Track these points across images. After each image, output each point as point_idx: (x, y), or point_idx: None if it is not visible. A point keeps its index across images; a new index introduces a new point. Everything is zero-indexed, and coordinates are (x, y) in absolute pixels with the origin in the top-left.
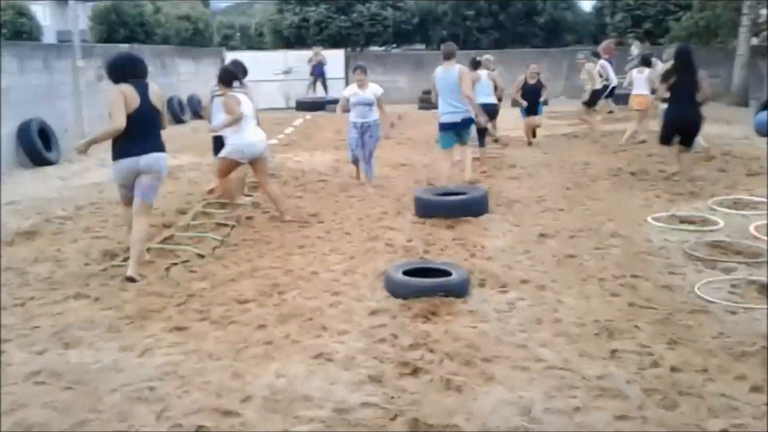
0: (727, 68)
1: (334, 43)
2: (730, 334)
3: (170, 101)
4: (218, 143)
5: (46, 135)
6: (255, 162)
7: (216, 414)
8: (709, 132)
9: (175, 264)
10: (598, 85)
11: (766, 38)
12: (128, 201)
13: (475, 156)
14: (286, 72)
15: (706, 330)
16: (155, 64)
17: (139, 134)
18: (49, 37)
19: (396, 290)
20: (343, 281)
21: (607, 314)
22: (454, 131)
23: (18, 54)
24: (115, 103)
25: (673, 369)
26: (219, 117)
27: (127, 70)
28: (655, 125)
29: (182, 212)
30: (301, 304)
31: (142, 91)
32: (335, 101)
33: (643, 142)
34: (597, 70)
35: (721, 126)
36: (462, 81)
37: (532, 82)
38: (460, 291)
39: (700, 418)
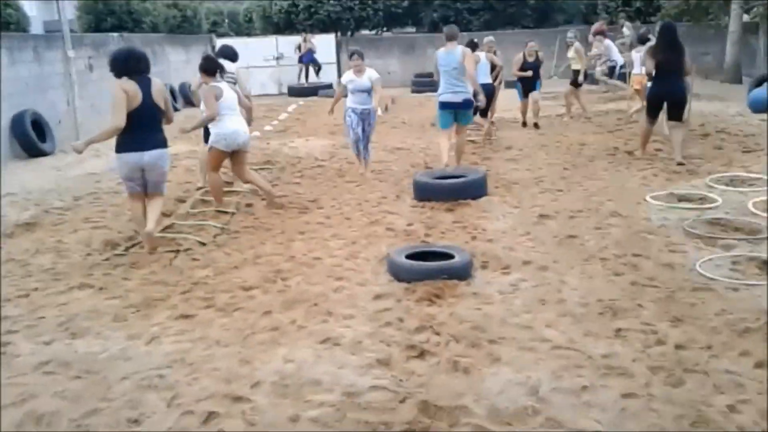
0: (719, 45)
1: (324, 27)
2: (732, 311)
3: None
4: (209, 132)
5: (39, 126)
6: (236, 153)
7: (226, 400)
8: (703, 109)
9: (178, 252)
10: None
11: (758, 14)
12: (136, 194)
13: (471, 139)
14: (278, 58)
15: (708, 307)
16: (145, 52)
17: (142, 129)
18: (36, 28)
19: (400, 274)
20: (346, 266)
21: (611, 293)
22: (454, 111)
23: (8, 45)
24: (116, 101)
25: (678, 346)
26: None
27: (129, 66)
28: None
29: (181, 201)
30: (305, 290)
31: (145, 86)
32: (328, 86)
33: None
34: (602, 51)
35: (715, 103)
36: (466, 62)
37: (531, 59)
38: (463, 273)
39: (706, 395)
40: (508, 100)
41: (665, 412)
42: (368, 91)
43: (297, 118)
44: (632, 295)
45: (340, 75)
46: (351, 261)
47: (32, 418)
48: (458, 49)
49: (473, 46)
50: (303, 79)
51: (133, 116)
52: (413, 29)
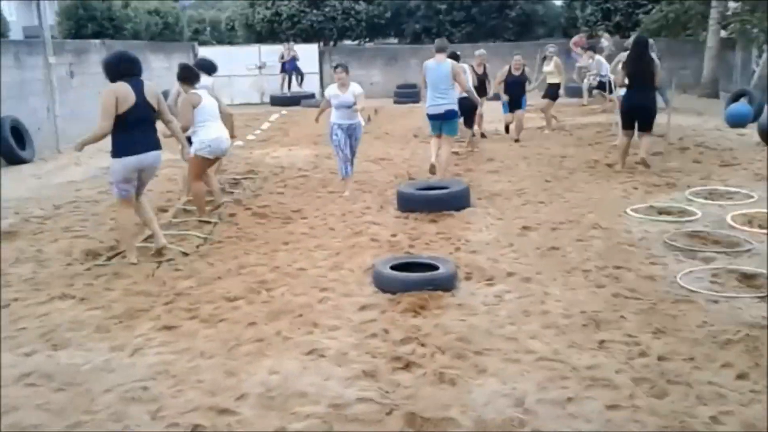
0: (697, 60)
1: (306, 37)
2: (713, 323)
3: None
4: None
5: (19, 133)
6: (215, 159)
7: (211, 412)
8: (681, 123)
9: (160, 263)
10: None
11: (735, 30)
12: (127, 200)
13: (454, 150)
14: (260, 67)
15: (690, 319)
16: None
17: (138, 131)
18: (15, 34)
19: (384, 285)
20: (330, 277)
21: (593, 305)
22: (437, 121)
23: None
24: (104, 107)
25: (661, 358)
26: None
27: (122, 69)
28: None
29: (163, 210)
30: (290, 301)
31: (138, 88)
32: (311, 96)
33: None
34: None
35: (693, 117)
36: (458, 75)
37: (516, 73)
38: (447, 285)
39: (689, 406)
40: (493, 112)
41: (649, 423)
42: (351, 106)
43: (280, 128)
44: (615, 306)
45: (322, 85)
46: (335, 272)
47: (15, 431)
48: (447, 62)
49: (455, 57)
50: (286, 88)
51: (128, 118)
52: (395, 40)
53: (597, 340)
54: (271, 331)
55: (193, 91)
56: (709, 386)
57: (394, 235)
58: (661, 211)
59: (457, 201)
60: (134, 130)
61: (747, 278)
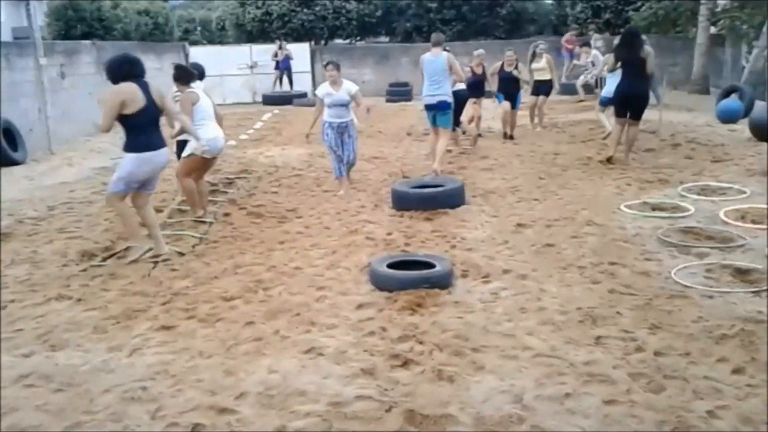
0: (687, 57)
1: (297, 36)
2: (708, 318)
3: None
4: (181, 145)
5: (11, 134)
6: (210, 159)
7: (211, 412)
8: (673, 119)
9: (156, 263)
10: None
11: (724, 27)
12: (124, 195)
13: (448, 149)
14: (252, 66)
15: (685, 314)
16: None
17: (151, 129)
18: (4, 35)
19: (381, 283)
20: (327, 276)
21: (589, 301)
22: (433, 113)
23: None
24: (108, 108)
25: (657, 353)
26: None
27: (124, 70)
28: None
29: (158, 210)
30: (287, 300)
31: (145, 88)
32: (303, 95)
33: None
34: (590, 60)
35: (684, 114)
36: (453, 67)
37: (509, 69)
38: (444, 282)
39: (686, 401)
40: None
41: (647, 418)
42: (346, 105)
43: (272, 127)
44: (610, 302)
45: (314, 84)
46: (332, 270)
47: None
48: (443, 56)
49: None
50: (278, 86)
51: (140, 117)
52: (387, 39)
53: (593, 336)
54: (269, 330)
55: (189, 89)
56: (705, 381)
57: (389, 234)
58: (655, 207)
59: (452, 199)
60: (148, 128)
61: (741, 273)
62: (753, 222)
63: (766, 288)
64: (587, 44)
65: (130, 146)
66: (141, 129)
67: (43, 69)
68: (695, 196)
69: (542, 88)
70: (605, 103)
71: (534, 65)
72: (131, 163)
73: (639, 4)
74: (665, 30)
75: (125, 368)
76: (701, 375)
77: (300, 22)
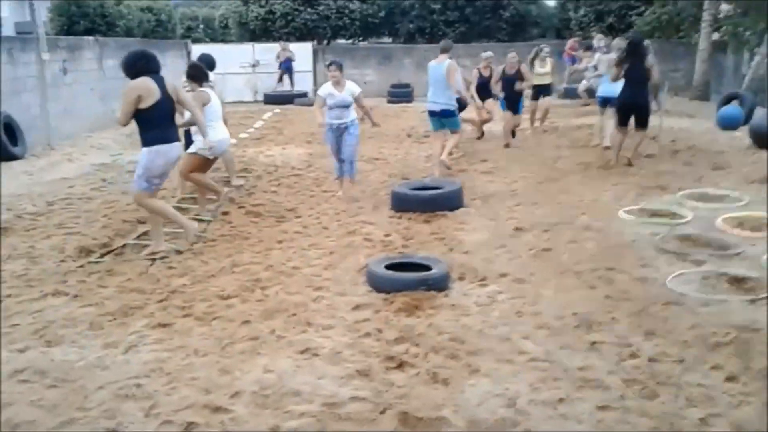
0: (688, 62)
1: (300, 36)
2: (703, 325)
3: None
4: (187, 140)
5: (11, 129)
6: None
7: (206, 410)
8: (673, 125)
9: (154, 260)
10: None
11: (726, 33)
12: (154, 193)
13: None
14: (254, 65)
15: (680, 321)
16: (121, 56)
17: (165, 123)
18: (7, 30)
19: (378, 285)
20: (324, 276)
21: (585, 306)
22: (437, 119)
23: None
24: (126, 102)
25: (651, 360)
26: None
27: (140, 66)
28: None
29: None
30: (284, 300)
31: (160, 83)
32: (304, 94)
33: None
34: (592, 65)
35: (685, 120)
36: (449, 75)
37: (511, 72)
38: (441, 285)
39: (679, 408)
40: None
41: (640, 424)
42: (348, 106)
43: (273, 126)
44: (606, 308)
45: (316, 83)
46: (329, 271)
47: (8, 427)
48: (445, 63)
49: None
50: (279, 85)
51: (157, 111)
52: (389, 40)
53: (588, 341)
54: (266, 329)
55: (201, 89)
56: (699, 388)
57: (387, 235)
58: (653, 214)
59: (451, 201)
60: (164, 122)
61: (737, 281)
62: (751, 230)
63: (762, 296)
64: (590, 48)
65: (145, 140)
66: (155, 122)
67: (45, 64)
68: (694, 203)
69: (544, 91)
70: (603, 103)
71: (540, 69)
72: (146, 157)
73: (642, 8)
74: (668, 35)
75: (120, 365)
76: (695, 382)
77: (303, 22)
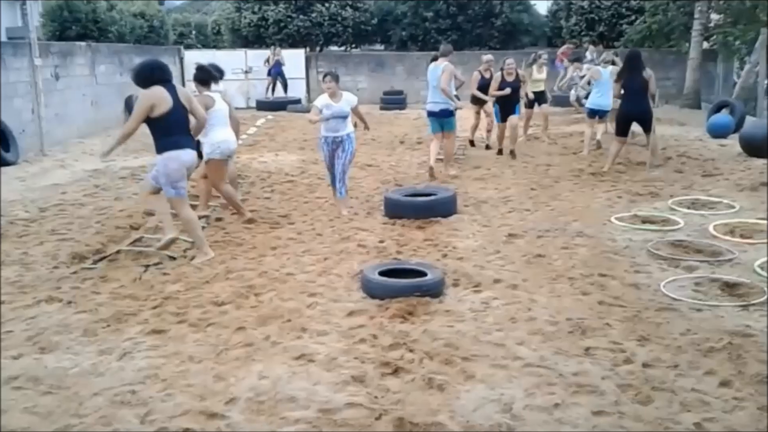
0: (679, 71)
1: (293, 42)
2: (696, 331)
3: (129, 100)
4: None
5: (3, 135)
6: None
7: (201, 416)
8: (664, 133)
9: (148, 266)
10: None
11: (717, 42)
12: (185, 197)
13: (439, 157)
14: (246, 71)
15: (674, 327)
16: (113, 62)
17: (178, 131)
18: None
19: (373, 291)
20: (318, 282)
21: (579, 312)
22: (436, 119)
23: None
24: (139, 110)
25: (645, 365)
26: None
27: (156, 76)
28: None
29: (149, 214)
30: (278, 306)
31: (173, 92)
32: (296, 101)
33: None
34: (580, 74)
35: (676, 127)
36: (443, 78)
37: (509, 79)
38: (435, 291)
39: (673, 413)
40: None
41: (635, 429)
42: (345, 117)
43: (266, 133)
44: (600, 314)
45: (308, 90)
46: (323, 277)
47: None
48: (442, 65)
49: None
50: (270, 93)
51: (170, 120)
52: (382, 47)
53: (583, 346)
54: (260, 335)
55: (207, 93)
56: (693, 393)
57: (381, 241)
58: (645, 220)
59: (444, 208)
60: (176, 130)
61: (729, 287)
62: (741, 236)
63: (754, 302)
64: (578, 59)
65: (158, 148)
66: (168, 130)
67: (37, 70)
68: (685, 210)
69: (539, 99)
70: (592, 115)
71: (537, 75)
72: (159, 164)
73: (633, 18)
74: (659, 44)
75: (115, 372)
76: (689, 387)
77: (296, 29)
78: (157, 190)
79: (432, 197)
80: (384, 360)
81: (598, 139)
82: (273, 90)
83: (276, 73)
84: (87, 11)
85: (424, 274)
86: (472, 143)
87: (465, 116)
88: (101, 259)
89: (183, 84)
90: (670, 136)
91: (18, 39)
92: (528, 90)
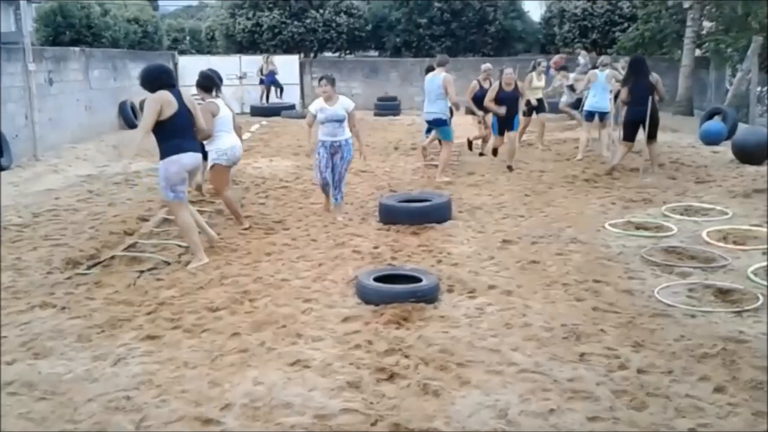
0: (671, 78)
1: (287, 48)
2: (690, 337)
3: (123, 105)
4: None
5: None
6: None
7: (196, 423)
8: (657, 140)
9: (142, 272)
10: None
11: (709, 50)
12: (185, 200)
13: (434, 164)
14: (241, 77)
15: (668, 333)
16: (107, 67)
17: (184, 134)
18: None
19: (368, 297)
20: (313, 288)
21: (574, 318)
22: (432, 127)
23: None
24: (149, 113)
25: (640, 371)
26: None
27: (162, 80)
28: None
29: (143, 219)
30: (273, 312)
31: (178, 96)
32: (291, 107)
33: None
34: (568, 84)
35: (668, 134)
36: (447, 87)
37: (508, 89)
38: (430, 297)
39: (668, 418)
40: (468, 126)
41: None
42: (340, 121)
43: (260, 138)
44: (594, 320)
45: (303, 96)
46: (318, 283)
47: None
48: (441, 76)
49: (432, 71)
50: (264, 100)
51: (175, 123)
52: (376, 53)
53: (577, 352)
54: (255, 341)
55: (210, 99)
56: (687, 399)
57: (376, 247)
58: (639, 226)
59: (439, 213)
60: (179, 133)
61: (723, 293)
62: (735, 243)
63: (747, 308)
64: (565, 68)
65: (162, 151)
66: (172, 133)
67: (31, 75)
68: (678, 216)
69: (538, 107)
70: (589, 117)
71: (537, 83)
72: (162, 168)
73: (626, 25)
74: (651, 51)
75: (109, 378)
76: (683, 393)
77: (290, 35)
78: (180, 200)
79: (426, 203)
80: (379, 366)
81: (606, 154)
82: (267, 97)
83: (269, 81)
84: (81, 16)
85: (419, 280)
86: (470, 145)
87: (462, 122)
88: (95, 265)
89: None
90: (663, 142)
91: (11, 44)
92: (531, 97)
